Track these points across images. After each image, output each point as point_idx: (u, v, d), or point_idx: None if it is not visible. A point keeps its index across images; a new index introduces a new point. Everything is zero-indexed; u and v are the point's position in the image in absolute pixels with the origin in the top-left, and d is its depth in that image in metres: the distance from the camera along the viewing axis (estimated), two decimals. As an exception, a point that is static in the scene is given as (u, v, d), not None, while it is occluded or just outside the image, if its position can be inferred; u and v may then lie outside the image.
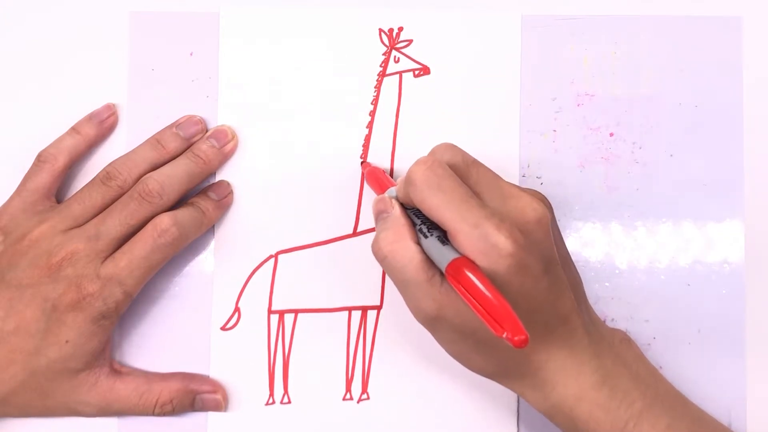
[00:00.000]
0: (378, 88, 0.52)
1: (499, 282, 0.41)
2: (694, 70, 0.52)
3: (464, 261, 0.40)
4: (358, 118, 0.52)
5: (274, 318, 0.51)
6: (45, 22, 0.53)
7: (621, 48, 0.52)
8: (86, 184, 0.50)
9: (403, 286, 0.44)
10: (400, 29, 0.52)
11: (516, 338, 0.37)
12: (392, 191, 0.46)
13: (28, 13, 0.53)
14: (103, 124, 0.52)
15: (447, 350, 0.45)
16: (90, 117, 0.52)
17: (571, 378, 0.44)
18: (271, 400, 0.51)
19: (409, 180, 0.43)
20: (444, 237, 0.42)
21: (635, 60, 0.52)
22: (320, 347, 0.51)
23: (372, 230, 0.51)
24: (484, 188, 0.44)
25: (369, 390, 0.51)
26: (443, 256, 0.41)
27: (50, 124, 0.51)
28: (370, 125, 0.52)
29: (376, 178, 0.49)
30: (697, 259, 0.52)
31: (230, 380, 0.51)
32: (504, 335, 0.38)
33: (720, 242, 0.52)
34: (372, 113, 0.52)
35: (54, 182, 0.50)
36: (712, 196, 0.52)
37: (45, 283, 0.47)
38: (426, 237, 0.43)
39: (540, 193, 0.48)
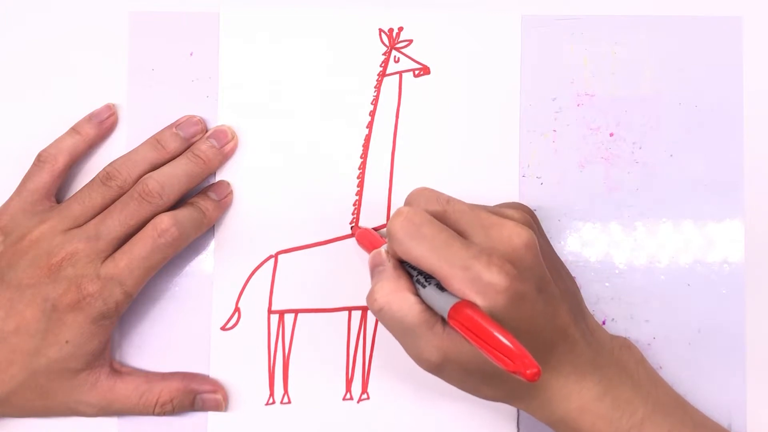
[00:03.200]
0: (378, 88, 0.52)
1: (499, 316, 0.41)
2: (694, 70, 0.52)
3: (466, 304, 0.40)
4: (358, 118, 0.52)
5: (274, 318, 0.51)
6: (45, 22, 0.53)
7: (621, 48, 0.52)
8: (86, 184, 0.50)
9: (403, 336, 0.43)
10: (400, 29, 0.52)
11: (528, 372, 0.37)
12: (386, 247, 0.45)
13: (28, 13, 0.53)
14: (103, 124, 0.52)
15: (454, 386, 0.45)
16: (90, 117, 0.52)
17: (574, 392, 0.44)
18: (271, 400, 0.51)
19: (390, 235, 0.43)
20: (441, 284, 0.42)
21: (635, 60, 0.52)
22: (320, 347, 0.51)
23: (372, 230, 0.52)
24: (465, 224, 0.43)
25: (369, 390, 0.51)
26: (444, 302, 0.41)
27: (50, 124, 0.51)
28: (370, 125, 0.52)
29: (367, 238, 0.49)
30: (697, 259, 0.52)
31: (230, 380, 0.51)
32: (516, 371, 0.38)
33: (720, 242, 0.52)
34: (372, 113, 0.52)
35: (54, 182, 0.50)
36: (712, 196, 0.52)
37: (45, 283, 0.47)
38: (424, 287, 0.42)
39: (520, 207, 0.47)
